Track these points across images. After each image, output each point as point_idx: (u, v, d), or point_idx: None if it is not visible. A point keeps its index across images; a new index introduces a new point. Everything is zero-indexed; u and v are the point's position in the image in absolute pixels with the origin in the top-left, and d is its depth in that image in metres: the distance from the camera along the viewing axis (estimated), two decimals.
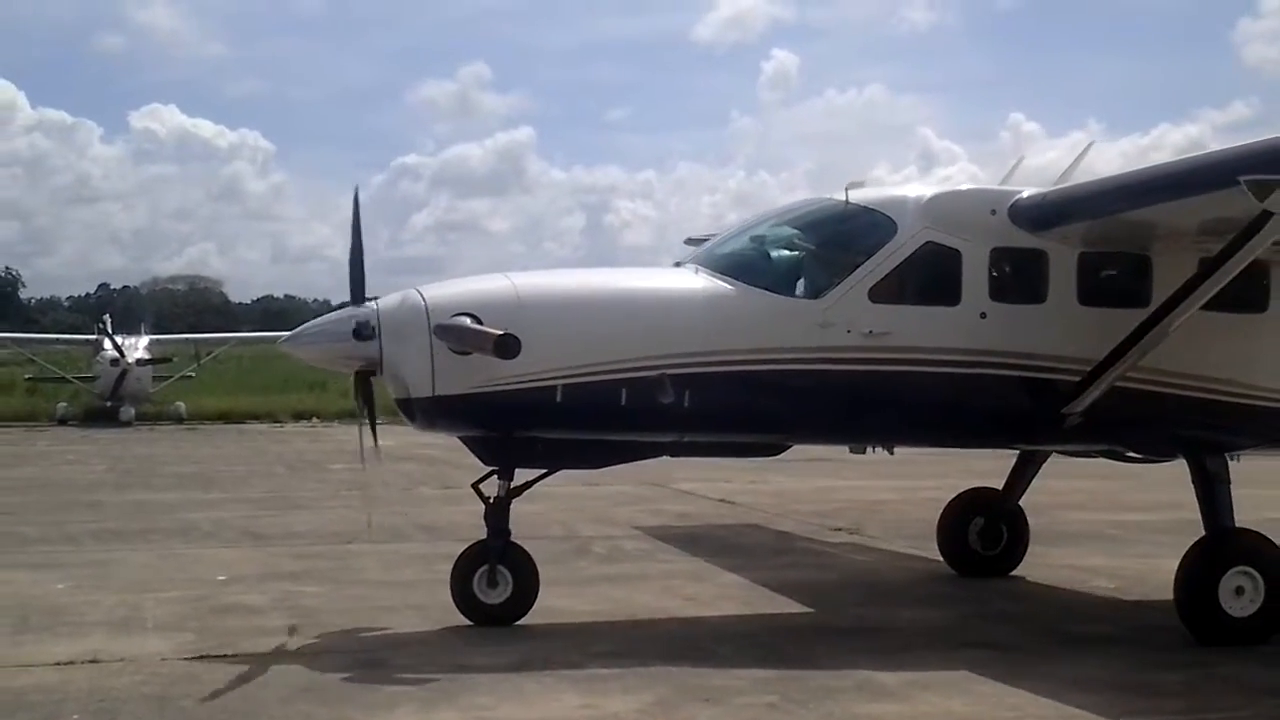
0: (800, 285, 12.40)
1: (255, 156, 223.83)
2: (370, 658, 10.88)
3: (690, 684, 10.16)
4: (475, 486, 12.38)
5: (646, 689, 10.00)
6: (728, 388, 11.84)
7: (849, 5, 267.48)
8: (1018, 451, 15.06)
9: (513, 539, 12.27)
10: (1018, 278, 12.53)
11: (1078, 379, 12.21)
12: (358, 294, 11.91)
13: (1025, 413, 12.47)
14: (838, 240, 12.76)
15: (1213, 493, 12.48)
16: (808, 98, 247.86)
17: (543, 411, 11.70)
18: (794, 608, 13.76)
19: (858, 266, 12.15)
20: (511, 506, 12.19)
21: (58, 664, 10.61)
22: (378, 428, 12.34)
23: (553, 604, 13.32)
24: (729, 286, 12.09)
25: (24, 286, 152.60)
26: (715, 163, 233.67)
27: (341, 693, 9.84)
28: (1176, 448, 12.98)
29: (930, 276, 12.32)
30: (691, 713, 9.48)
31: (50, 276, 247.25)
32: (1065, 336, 12.30)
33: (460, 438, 12.29)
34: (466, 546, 12.48)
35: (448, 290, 11.86)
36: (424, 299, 11.61)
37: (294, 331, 12.32)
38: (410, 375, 11.60)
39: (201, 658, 10.86)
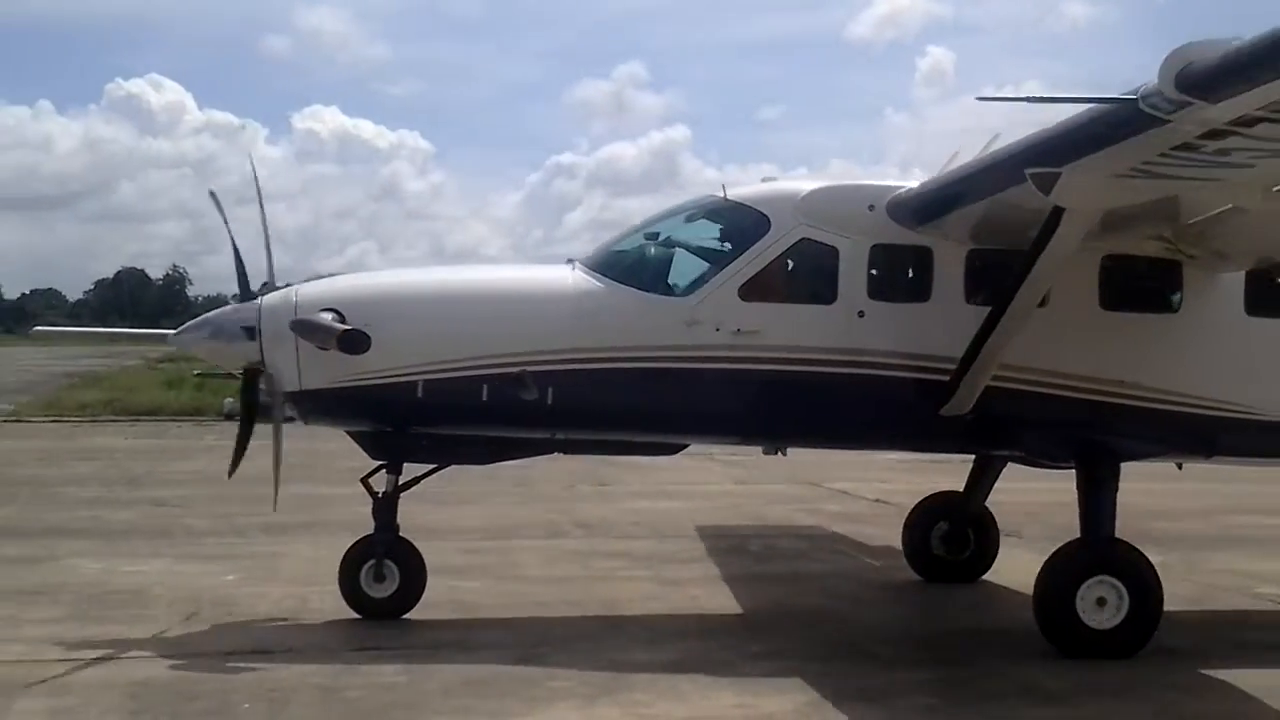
0: (672, 283, 12.19)
1: (414, 157, 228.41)
2: (529, 653, 11.00)
3: (847, 685, 10.10)
4: (364, 481, 12.36)
5: (802, 689, 9.96)
6: (595, 386, 11.69)
7: (1006, 1, 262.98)
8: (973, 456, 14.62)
9: (402, 533, 12.30)
10: (899, 275, 12.11)
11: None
12: (244, 289, 12.11)
13: (908, 414, 11.99)
14: (712, 237, 12.49)
15: (1097, 500, 11.68)
16: (963, 94, 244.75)
17: (406, 407, 11.73)
18: (951, 609, 13.64)
19: (729, 264, 11.91)
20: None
21: (228, 654, 10.87)
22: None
23: (708, 602, 13.37)
24: (597, 284, 11.93)
25: (191, 284, 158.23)
26: (868, 160, 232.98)
27: (503, 686, 9.98)
28: (1070, 452, 12.11)
29: (804, 274, 12.05)
30: (848, 713, 9.42)
31: (217, 275, 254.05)
32: (950, 336, 11.69)
33: (347, 432, 12.35)
34: (354, 541, 12.49)
35: (318, 287, 12.03)
36: (295, 295, 11.78)
37: (182, 327, 12.42)
38: (282, 370, 11.75)
39: (366, 649, 11.08)
